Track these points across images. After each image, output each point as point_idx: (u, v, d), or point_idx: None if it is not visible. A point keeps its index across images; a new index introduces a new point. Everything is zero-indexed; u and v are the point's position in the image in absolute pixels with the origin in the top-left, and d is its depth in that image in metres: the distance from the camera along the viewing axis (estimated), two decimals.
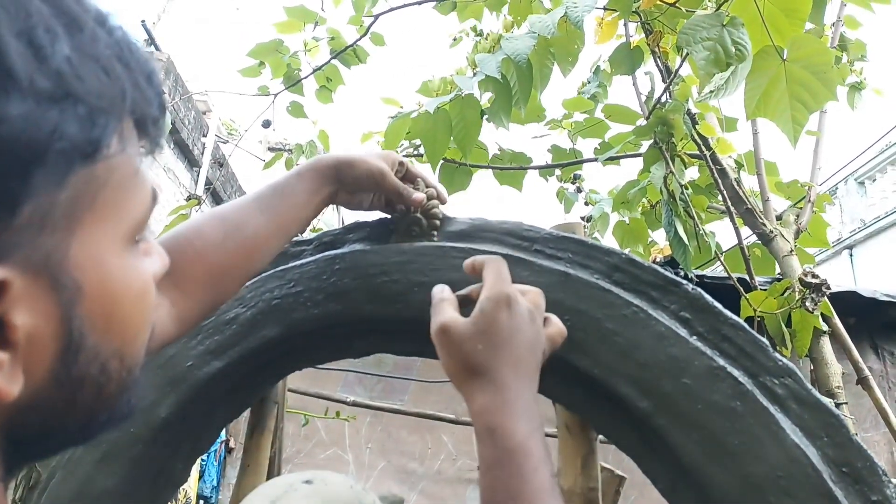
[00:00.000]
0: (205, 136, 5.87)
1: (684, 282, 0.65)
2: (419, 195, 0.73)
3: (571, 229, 0.75)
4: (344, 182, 0.70)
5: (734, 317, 0.63)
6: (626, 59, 1.45)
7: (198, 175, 5.67)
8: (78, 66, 0.29)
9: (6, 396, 0.28)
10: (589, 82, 1.72)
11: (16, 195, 0.28)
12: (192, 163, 5.71)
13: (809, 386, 0.59)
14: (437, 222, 0.75)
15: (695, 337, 0.62)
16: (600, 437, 0.74)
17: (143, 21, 5.57)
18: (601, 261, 0.69)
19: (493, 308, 0.53)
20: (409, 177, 0.76)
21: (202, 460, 4.16)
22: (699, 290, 0.64)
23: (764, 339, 0.61)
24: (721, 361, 0.60)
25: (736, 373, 0.59)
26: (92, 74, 0.30)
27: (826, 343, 1.57)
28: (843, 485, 0.54)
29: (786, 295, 1.53)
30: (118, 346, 0.34)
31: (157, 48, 5.43)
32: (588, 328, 0.64)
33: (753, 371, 0.60)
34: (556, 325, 0.58)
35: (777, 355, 0.60)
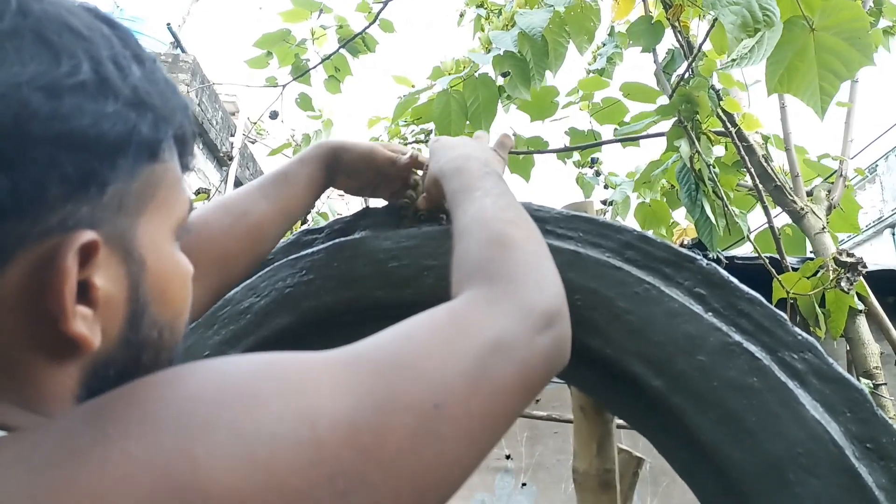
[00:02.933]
0: (232, 135, 5.94)
1: (698, 257, 0.63)
2: (410, 153, 0.74)
3: (583, 208, 0.74)
4: (341, 163, 0.72)
5: (751, 291, 0.61)
6: (646, 33, 1.41)
7: (226, 174, 5.75)
8: (146, 85, 0.37)
9: (91, 346, 0.34)
10: (605, 44, 1.67)
11: (106, 178, 0.35)
12: (220, 162, 5.80)
13: (831, 360, 0.57)
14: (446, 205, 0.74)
15: (710, 313, 0.60)
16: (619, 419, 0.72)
17: (168, 24, 5.67)
18: (613, 239, 0.67)
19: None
20: (417, 165, 0.77)
21: None
22: (714, 265, 0.62)
23: (782, 314, 0.59)
24: (737, 337, 0.58)
25: (753, 348, 0.57)
26: (154, 93, 0.38)
27: (862, 323, 1.52)
28: (867, 461, 0.52)
29: (819, 274, 1.48)
30: (169, 318, 0.41)
31: (183, 50, 5.51)
32: (600, 307, 0.63)
33: (771, 346, 0.58)
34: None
35: (796, 329, 0.58)
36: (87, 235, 0.33)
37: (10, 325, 0.33)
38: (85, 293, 0.34)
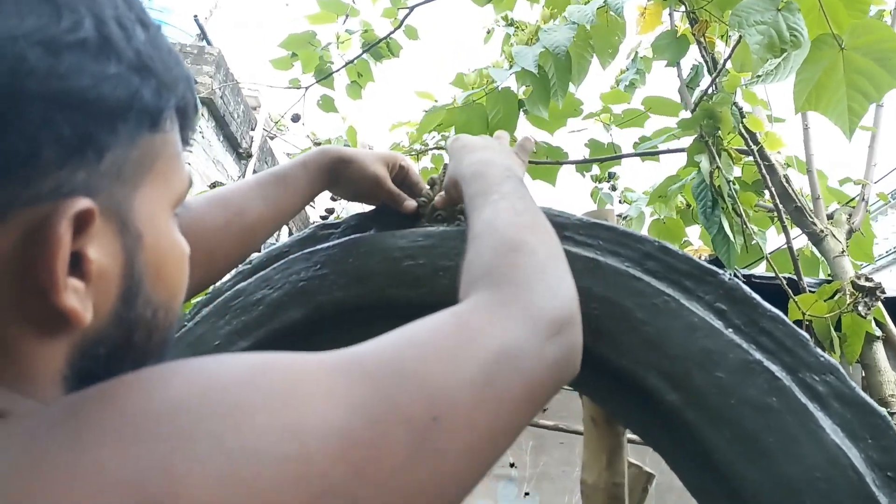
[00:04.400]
0: (253, 129, 5.98)
1: (721, 271, 0.62)
2: (410, 203, 0.74)
3: (603, 216, 0.73)
4: (341, 177, 0.72)
5: (773, 309, 0.59)
6: (671, 47, 1.40)
7: (245, 167, 5.78)
8: (150, 50, 0.36)
9: (82, 321, 0.32)
10: (627, 69, 1.66)
11: (104, 143, 0.33)
12: (240, 156, 5.83)
13: (853, 384, 0.55)
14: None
15: (730, 329, 0.59)
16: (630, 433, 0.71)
17: (195, 16, 5.72)
18: (633, 248, 0.66)
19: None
20: (408, 181, 0.77)
21: None
22: (737, 280, 0.61)
23: (805, 334, 0.58)
24: (758, 355, 0.56)
25: (773, 367, 0.56)
26: (158, 60, 0.36)
27: (879, 349, 1.50)
28: (888, 490, 0.51)
29: (836, 298, 1.46)
30: (165, 298, 0.39)
31: (208, 42, 5.56)
32: (617, 317, 0.62)
33: (793, 366, 0.56)
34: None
35: (819, 350, 0.57)
36: (83, 203, 0.31)
37: None
38: (77, 265, 0.32)
